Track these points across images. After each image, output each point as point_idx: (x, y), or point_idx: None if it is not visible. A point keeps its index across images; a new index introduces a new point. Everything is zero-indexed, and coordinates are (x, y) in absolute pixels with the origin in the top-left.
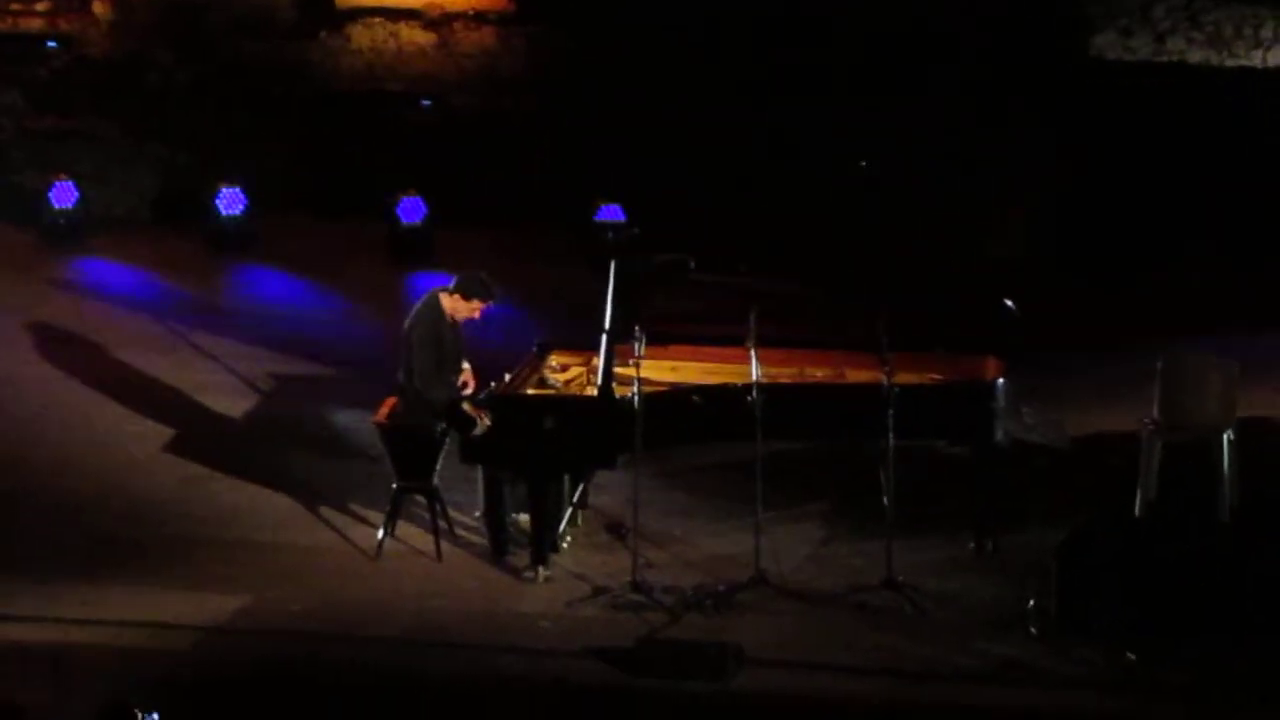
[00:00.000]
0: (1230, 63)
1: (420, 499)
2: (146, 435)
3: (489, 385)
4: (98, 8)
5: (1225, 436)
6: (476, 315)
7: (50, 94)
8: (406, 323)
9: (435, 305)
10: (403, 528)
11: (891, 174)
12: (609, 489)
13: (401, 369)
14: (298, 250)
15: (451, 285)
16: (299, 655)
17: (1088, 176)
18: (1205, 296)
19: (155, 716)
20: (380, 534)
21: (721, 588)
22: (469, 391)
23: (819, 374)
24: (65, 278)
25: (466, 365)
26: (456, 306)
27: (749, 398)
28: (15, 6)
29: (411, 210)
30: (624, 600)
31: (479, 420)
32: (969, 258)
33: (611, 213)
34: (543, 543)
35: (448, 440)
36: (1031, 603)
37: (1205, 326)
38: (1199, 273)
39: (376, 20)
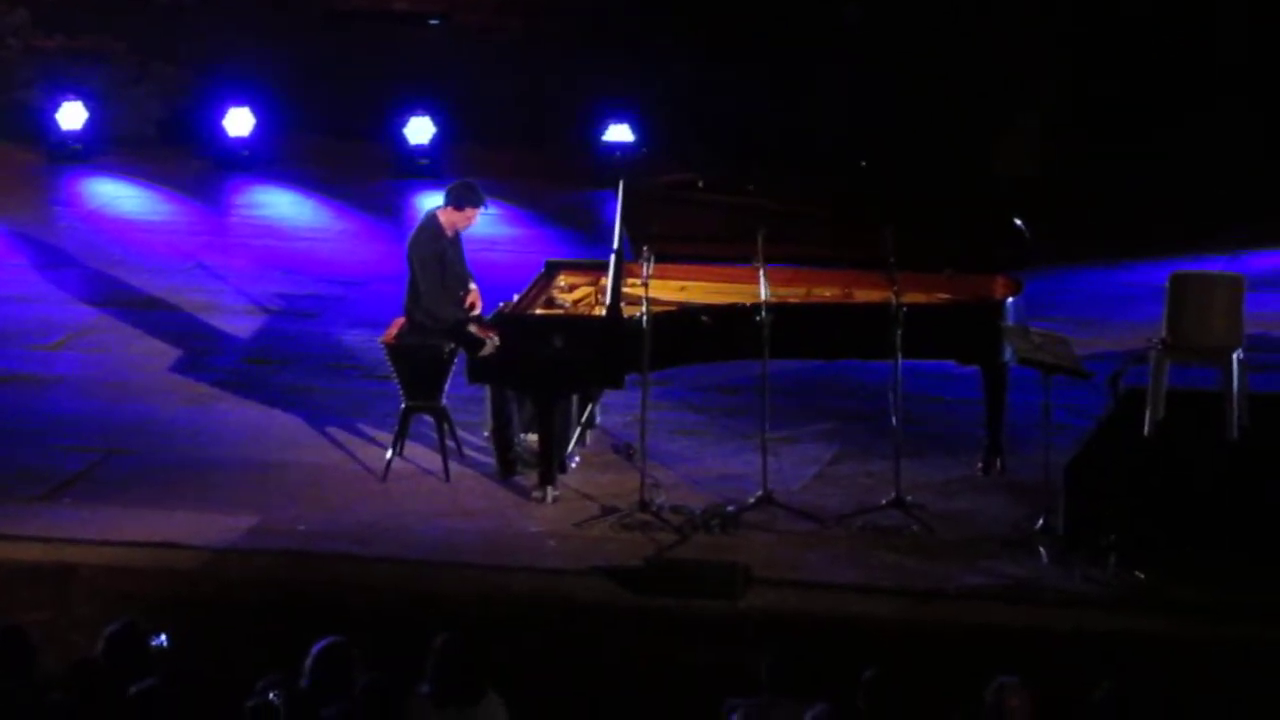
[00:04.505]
0: None
1: (428, 419)
2: (153, 354)
3: (497, 305)
4: None
5: (1234, 355)
6: (473, 222)
7: (57, 13)
8: (408, 245)
9: (433, 224)
10: (411, 448)
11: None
12: (617, 409)
13: (407, 291)
14: (305, 170)
15: (443, 199)
16: (306, 575)
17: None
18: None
19: (163, 637)
20: (388, 454)
21: (730, 507)
22: (475, 312)
23: (827, 293)
24: (71, 198)
25: (473, 286)
26: (453, 219)
27: (757, 317)
28: None
29: (419, 129)
30: (632, 520)
31: (487, 340)
32: (980, 175)
33: (620, 132)
34: (551, 462)
35: (455, 360)
36: (1040, 522)
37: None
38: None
39: None
